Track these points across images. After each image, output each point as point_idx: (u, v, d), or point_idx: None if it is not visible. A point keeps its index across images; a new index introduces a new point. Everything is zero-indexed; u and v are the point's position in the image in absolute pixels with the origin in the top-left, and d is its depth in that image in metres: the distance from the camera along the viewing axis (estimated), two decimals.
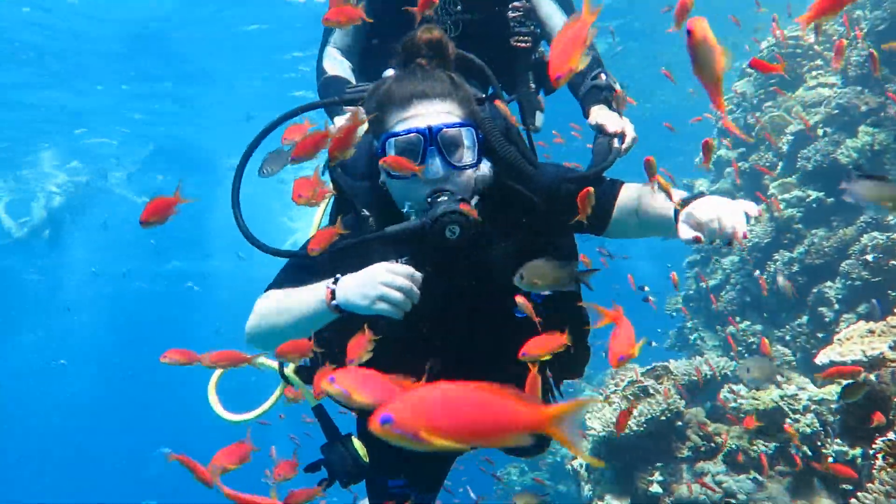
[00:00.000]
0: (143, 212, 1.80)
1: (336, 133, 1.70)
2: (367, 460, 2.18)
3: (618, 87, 2.26)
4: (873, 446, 2.47)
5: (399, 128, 1.78)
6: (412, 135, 1.76)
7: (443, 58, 1.90)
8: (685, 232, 1.55)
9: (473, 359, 1.96)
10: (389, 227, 1.80)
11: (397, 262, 1.78)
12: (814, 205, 6.43)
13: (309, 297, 1.83)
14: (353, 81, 2.59)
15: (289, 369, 2.30)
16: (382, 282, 1.70)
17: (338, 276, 1.80)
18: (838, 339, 3.17)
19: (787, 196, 6.61)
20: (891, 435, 2.38)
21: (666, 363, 4.85)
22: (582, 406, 1.05)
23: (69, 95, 11.19)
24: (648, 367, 4.87)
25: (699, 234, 1.52)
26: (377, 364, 1.69)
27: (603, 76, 2.28)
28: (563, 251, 1.99)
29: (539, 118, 2.68)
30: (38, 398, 26.41)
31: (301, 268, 1.94)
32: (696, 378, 4.71)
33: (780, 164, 7.02)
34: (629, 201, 1.91)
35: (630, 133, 2.07)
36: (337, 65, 2.67)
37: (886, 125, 6.10)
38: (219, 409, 2.51)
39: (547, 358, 1.74)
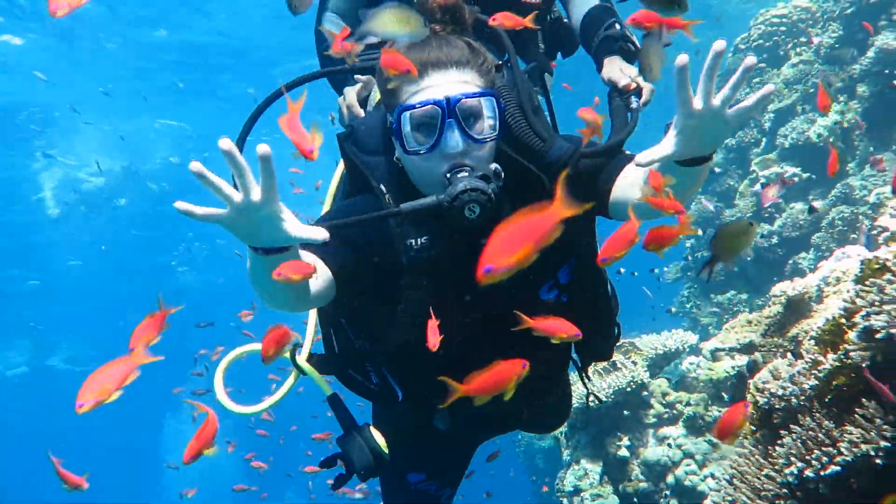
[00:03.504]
0: None
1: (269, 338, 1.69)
2: (388, 451, 2.03)
3: (634, 37, 2.10)
4: None
5: (414, 99, 1.64)
6: (428, 106, 1.62)
7: (459, 22, 1.77)
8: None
9: (499, 342, 1.79)
10: (405, 204, 1.65)
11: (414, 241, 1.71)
12: (793, 179, 6.78)
13: None
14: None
15: (301, 357, 2.09)
16: None
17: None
18: (725, 329, 3.65)
19: (767, 172, 6.96)
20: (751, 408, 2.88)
21: (633, 339, 5.35)
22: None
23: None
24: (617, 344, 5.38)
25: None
26: (403, 347, 1.79)
27: (617, 26, 2.11)
28: (579, 234, 1.80)
29: (549, 81, 2.49)
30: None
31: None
32: (660, 352, 5.21)
33: (764, 140, 7.35)
34: (632, 176, 1.67)
35: (646, 86, 1.92)
36: (338, 30, 2.53)
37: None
38: (226, 400, 2.16)
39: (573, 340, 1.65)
